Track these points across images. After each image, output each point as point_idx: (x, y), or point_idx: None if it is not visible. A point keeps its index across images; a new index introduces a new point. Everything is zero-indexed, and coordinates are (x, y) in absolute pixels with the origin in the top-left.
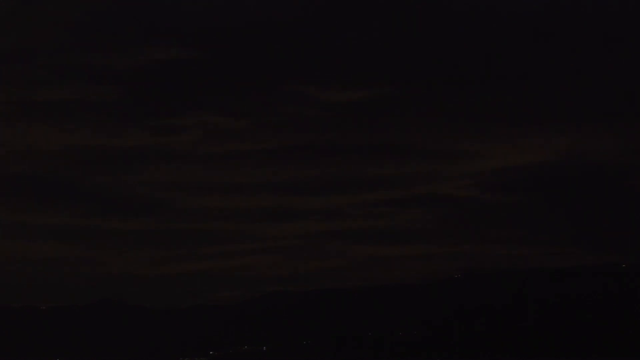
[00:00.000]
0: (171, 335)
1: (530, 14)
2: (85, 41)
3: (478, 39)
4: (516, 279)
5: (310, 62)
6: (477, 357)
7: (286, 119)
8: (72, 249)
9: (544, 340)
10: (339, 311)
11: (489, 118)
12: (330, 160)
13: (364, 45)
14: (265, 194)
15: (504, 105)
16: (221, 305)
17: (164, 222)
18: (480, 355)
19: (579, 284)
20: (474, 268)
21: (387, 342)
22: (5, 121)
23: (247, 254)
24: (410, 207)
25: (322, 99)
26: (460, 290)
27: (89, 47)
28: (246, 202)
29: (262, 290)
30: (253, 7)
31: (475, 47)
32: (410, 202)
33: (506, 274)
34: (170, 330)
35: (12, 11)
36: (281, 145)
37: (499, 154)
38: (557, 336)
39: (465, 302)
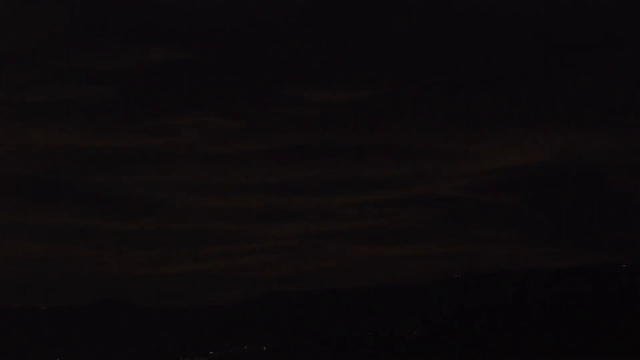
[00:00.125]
0: (171, 335)
1: (530, 14)
2: (84, 42)
3: (478, 39)
4: (516, 279)
5: (309, 62)
6: (477, 357)
7: (285, 120)
8: (72, 249)
9: (544, 340)
10: (339, 311)
11: (488, 118)
12: (330, 161)
13: (363, 46)
14: (265, 194)
15: (503, 105)
16: (221, 305)
17: (164, 222)
18: (480, 355)
19: (579, 284)
20: (474, 268)
21: (387, 342)
22: (5, 121)
23: (247, 254)
24: (410, 208)
25: (321, 100)
26: (460, 290)
27: (88, 48)
28: (246, 202)
29: (262, 290)
30: (251, 8)
31: (475, 47)
32: (410, 202)
33: (506, 274)
34: (170, 330)
35: (11, 12)
36: (281, 145)
37: (498, 154)
38: (557, 336)
39: (465, 302)
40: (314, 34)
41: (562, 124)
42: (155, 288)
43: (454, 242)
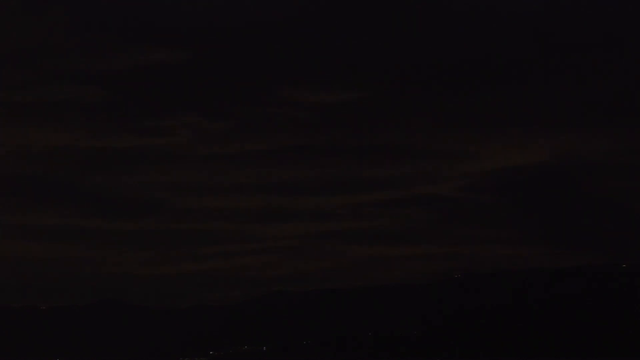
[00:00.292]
0: (171, 335)
1: (530, 14)
2: (83, 42)
3: (478, 39)
4: (516, 279)
5: (309, 62)
6: (477, 357)
7: (285, 120)
8: (72, 249)
9: (544, 340)
10: (339, 311)
11: (488, 118)
12: (330, 161)
13: (363, 46)
14: (265, 194)
15: (503, 105)
16: (221, 305)
17: (164, 222)
18: (480, 355)
19: (579, 284)
20: (474, 268)
21: (387, 342)
22: (4, 121)
23: (247, 254)
24: (410, 208)
25: (321, 100)
26: (460, 290)
27: (86, 48)
28: (246, 202)
29: (262, 290)
30: (250, 9)
31: (475, 47)
32: (410, 202)
33: (506, 274)
34: (170, 330)
35: (8, 14)
36: (281, 145)
37: (498, 154)
38: (557, 336)
39: (465, 302)
40: (313, 34)
41: (562, 124)
42: (155, 288)
43: (454, 242)
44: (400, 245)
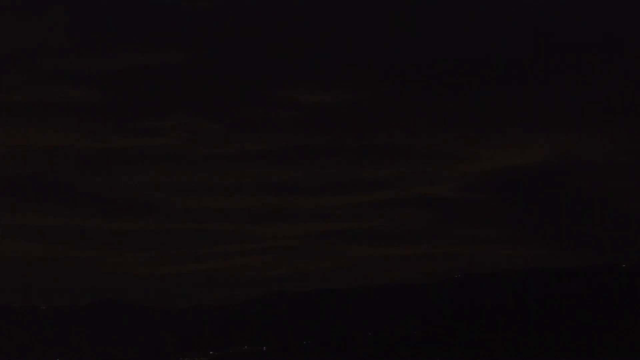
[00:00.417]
0: (171, 335)
1: (530, 14)
2: (80, 44)
3: (478, 39)
4: (516, 279)
5: (308, 63)
6: (477, 357)
7: (285, 120)
8: (72, 249)
9: (544, 340)
10: (339, 311)
11: (488, 119)
12: (330, 161)
13: (363, 46)
14: (265, 194)
15: (503, 105)
16: (221, 305)
17: (164, 222)
18: (480, 355)
19: (579, 284)
20: (474, 268)
21: (387, 342)
22: (2, 121)
23: (247, 254)
24: (410, 208)
25: (321, 100)
26: (460, 290)
27: (84, 50)
28: (246, 202)
29: (262, 290)
30: (249, 9)
31: (475, 47)
32: (410, 202)
33: (506, 274)
34: (170, 330)
35: (8, 15)
36: (281, 146)
37: (498, 154)
38: (557, 336)
39: (465, 302)
40: (313, 34)
41: (561, 124)
42: (155, 288)
43: (453, 242)
44: (400, 245)
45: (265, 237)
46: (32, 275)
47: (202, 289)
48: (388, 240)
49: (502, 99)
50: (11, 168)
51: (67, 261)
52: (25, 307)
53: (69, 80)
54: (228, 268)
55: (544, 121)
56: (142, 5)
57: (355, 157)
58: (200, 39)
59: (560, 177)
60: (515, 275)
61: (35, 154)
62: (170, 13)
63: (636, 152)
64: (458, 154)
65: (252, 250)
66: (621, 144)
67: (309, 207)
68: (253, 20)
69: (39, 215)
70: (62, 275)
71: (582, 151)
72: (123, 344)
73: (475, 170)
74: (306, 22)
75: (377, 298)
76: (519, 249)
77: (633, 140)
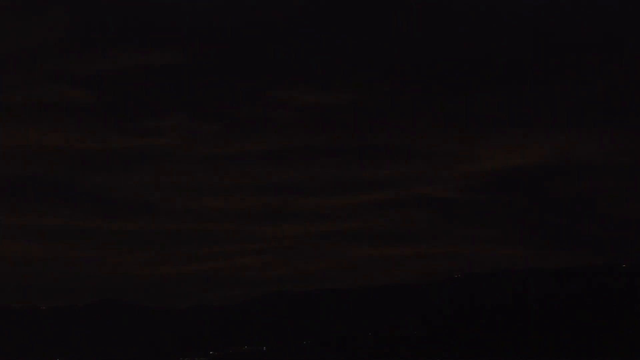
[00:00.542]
0: (171, 335)
1: (530, 14)
2: (75, 45)
3: (478, 39)
4: (516, 279)
5: (307, 63)
6: (477, 357)
7: (285, 120)
8: (72, 249)
9: (544, 340)
10: (339, 311)
11: (488, 119)
12: (331, 161)
13: (363, 46)
14: (265, 194)
15: (503, 106)
16: (221, 305)
17: (164, 223)
18: (480, 355)
19: (579, 284)
20: (474, 268)
21: (387, 342)
22: (2, 122)
23: (247, 254)
24: (410, 208)
25: (320, 100)
26: (460, 290)
27: (83, 50)
28: (246, 202)
29: (262, 290)
30: (248, 9)
31: (475, 47)
32: (410, 202)
33: (506, 274)
34: (170, 330)
35: (6, 15)
36: (281, 146)
37: (498, 154)
38: (557, 336)
39: (465, 302)
40: (313, 34)
41: (561, 124)
42: (155, 288)
43: (453, 242)
44: (400, 245)
45: (265, 237)
46: (32, 275)
47: (202, 289)
48: (388, 240)
49: (502, 99)
50: (11, 168)
51: (67, 261)
52: (25, 307)
53: (69, 80)
54: (228, 268)
55: (544, 121)
56: (141, 6)
57: (355, 157)
58: (200, 39)
59: (560, 177)
60: (515, 275)
61: (34, 154)
62: (169, 13)
63: (636, 152)
64: (458, 154)
65: (252, 250)
66: (621, 144)
67: (309, 207)
68: (253, 20)
69: (39, 215)
70: (62, 275)
71: (582, 151)
72: (123, 344)
73: (475, 170)
74: (306, 22)
75: (377, 298)
76: (519, 249)
77: (633, 140)
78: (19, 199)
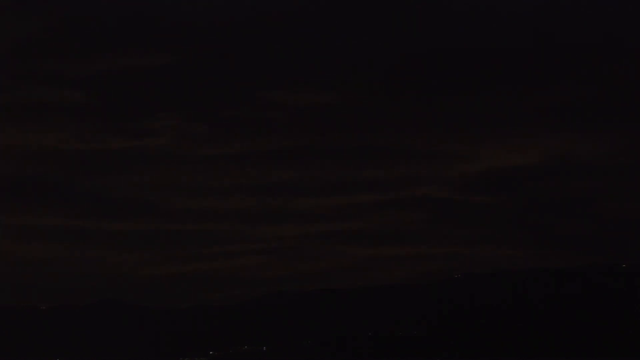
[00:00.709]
0: (171, 335)
1: (530, 14)
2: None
3: (478, 39)
4: (516, 279)
5: (305, 63)
6: (477, 357)
7: (284, 121)
8: (72, 249)
9: (544, 340)
10: (339, 311)
11: (488, 119)
12: (330, 162)
13: (362, 46)
14: (265, 195)
15: (502, 106)
16: (221, 305)
17: (164, 223)
18: (480, 355)
19: (579, 284)
20: (474, 268)
21: (387, 342)
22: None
23: (247, 254)
24: (409, 208)
25: (318, 101)
26: (460, 290)
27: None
28: (246, 203)
29: (262, 290)
30: (244, 9)
31: (475, 47)
32: (409, 203)
33: (506, 274)
34: (170, 330)
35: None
36: (280, 146)
37: (497, 154)
38: (557, 336)
39: (465, 302)
40: (313, 34)
41: (561, 125)
42: (155, 288)
43: (453, 242)
44: (400, 245)
45: (265, 237)
46: (32, 275)
47: (202, 289)
48: (388, 240)
49: (501, 99)
50: (10, 168)
51: (67, 261)
52: (25, 307)
53: (65, 81)
54: (228, 268)
55: (544, 121)
56: (138, 7)
57: (355, 157)
58: (198, 39)
59: (560, 177)
60: (515, 275)
61: (33, 155)
62: (167, 14)
63: (636, 152)
64: (458, 154)
65: (252, 250)
66: (621, 144)
67: (309, 207)
68: (251, 20)
69: (39, 215)
70: (62, 275)
71: (582, 151)
72: (123, 344)
73: (475, 170)
74: (305, 22)
75: (377, 298)
76: (518, 249)
77: (633, 140)
78: (18, 199)
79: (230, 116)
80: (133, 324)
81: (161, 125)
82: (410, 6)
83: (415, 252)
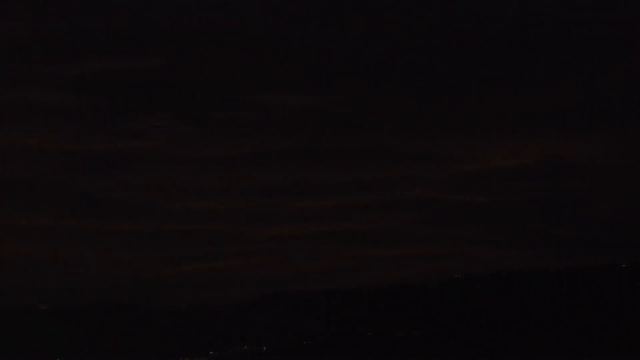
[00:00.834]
0: (171, 335)
1: (529, 14)
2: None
3: (475, 39)
4: (516, 279)
5: (294, 65)
6: (477, 357)
7: (280, 122)
8: (72, 249)
9: (544, 340)
10: (338, 311)
11: (487, 119)
12: (329, 162)
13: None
14: (265, 195)
15: (499, 106)
16: (221, 305)
17: (164, 223)
18: (480, 355)
19: (579, 284)
20: (474, 269)
21: (387, 342)
22: None
23: (247, 255)
24: (408, 209)
25: (315, 101)
26: (460, 290)
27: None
28: (245, 203)
29: (261, 291)
30: (232, 10)
31: (471, 47)
32: (408, 203)
33: (506, 274)
34: (170, 330)
35: None
36: (280, 146)
37: (495, 155)
38: (557, 336)
39: (465, 302)
40: (302, 35)
41: (561, 125)
42: (155, 288)
43: (453, 243)
44: (399, 245)
45: (265, 237)
46: (32, 275)
47: (202, 289)
48: (388, 241)
49: (499, 100)
50: (8, 170)
51: (67, 261)
52: (25, 307)
53: (58, 83)
54: (228, 268)
55: (544, 121)
56: (126, 9)
57: (353, 158)
58: (189, 42)
59: (560, 177)
60: (514, 276)
61: (25, 155)
62: (154, 16)
63: (635, 153)
64: (456, 155)
65: (252, 251)
66: (621, 144)
67: (309, 208)
68: (241, 22)
69: (38, 216)
70: (62, 275)
71: (582, 151)
72: (123, 344)
73: (473, 170)
74: (293, 23)
75: (376, 298)
76: (518, 249)
77: (633, 140)
78: (18, 199)
79: (222, 118)
80: (133, 324)
81: (154, 126)
82: (403, 4)
83: (414, 252)
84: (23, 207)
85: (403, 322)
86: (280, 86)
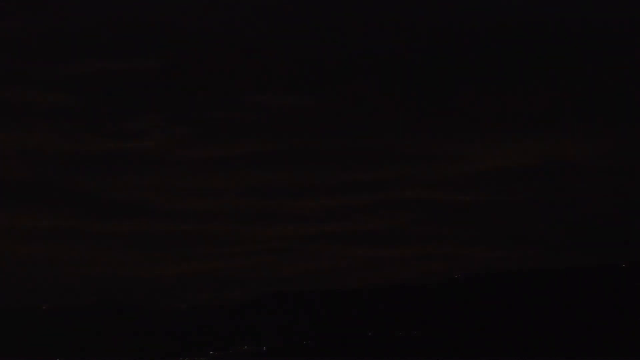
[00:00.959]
0: (171, 335)
1: (527, 13)
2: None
3: (471, 38)
4: (515, 279)
5: (290, 65)
6: (477, 357)
7: (280, 122)
8: (72, 250)
9: (544, 340)
10: (338, 311)
11: (486, 119)
12: (328, 163)
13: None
14: (265, 196)
15: (499, 106)
16: (221, 305)
17: (164, 223)
18: (480, 355)
19: (578, 284)
20: (473, 269)
21: (387, 342)
22: None
23: (247, 255)
24: (407, 209)
25: (314, 101)
26: (460, 290)
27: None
28: (245, 203)
29: (261, 291)
30: (226, 10)
31: (468, 47)
32: (408, 203)
33: (506, 274)
34: (170, 330)
35: None
36: (279, 147)
37: (494, 155)
38: (557, 336)
39: (465, 302)
40: (296, 35)
41: (560, 124)
42: (155, 288)
43: (453, 243)
44: (399, 245)
45: (265, 237)
46: (32, 275)
47: (202, 289)
48: (387, 241)
49: (497, 99)
50: (6, 170)
51: (67, 261)
52: (25, 307)
53: (54, 83)
54: (228, 268)
55: (543, 121)
56: (121, 9)
57: (352, 158)
58: (183, 43)
59: (560, 177)
60: (514, 276)
61: (28, 156)
62: (150, 16)
63: (635, 153)
64: (456, 155)
65: (252, 251)
66: (620, 144)
67: (309, 208)
68: (236, 23)
69: (39, 215)
70: (62, 275)
71: (581, 151)
72: (123, 344)
73: (473, 170)
74: (287, 22)
75: (376, 298)
76: (518, 249)
77: (632, 140)
78: (17, 199)
79: (221, 118)
80: (133, 324)
81: (153, 127)
82: (402, 5)
83: (414, 252)
84: (23, 207)
85: (403, 322)
86: (279, 86)
